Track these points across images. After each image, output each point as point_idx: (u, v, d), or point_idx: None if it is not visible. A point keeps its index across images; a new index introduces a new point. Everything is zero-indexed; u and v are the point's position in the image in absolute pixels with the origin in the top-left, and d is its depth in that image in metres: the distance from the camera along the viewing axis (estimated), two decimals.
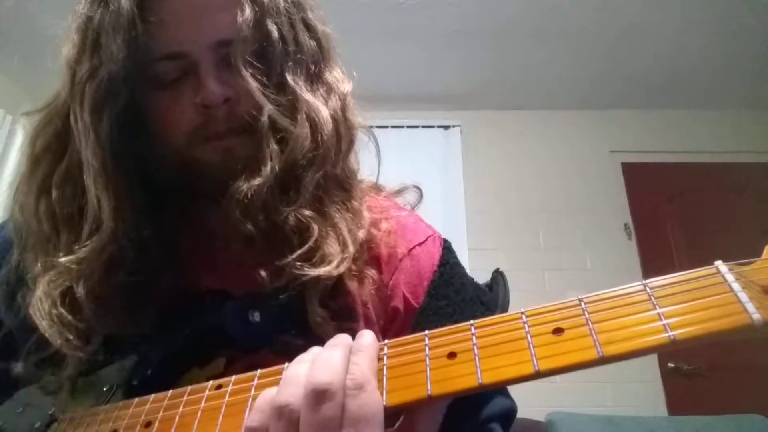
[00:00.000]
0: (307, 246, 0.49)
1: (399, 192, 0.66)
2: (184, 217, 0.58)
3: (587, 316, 0.31)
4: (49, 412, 0.48)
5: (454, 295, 0.56)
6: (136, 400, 0.42)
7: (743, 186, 2.90)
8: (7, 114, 2.90)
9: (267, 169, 0.50)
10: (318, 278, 0.49)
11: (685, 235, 2.86)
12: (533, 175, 3.04)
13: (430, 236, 0.61)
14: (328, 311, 0.50)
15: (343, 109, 0.57)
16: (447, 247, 0.61)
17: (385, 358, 0.35)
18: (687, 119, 3.12)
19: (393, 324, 0.55)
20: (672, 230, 2.89)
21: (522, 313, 0.33)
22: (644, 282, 0.31)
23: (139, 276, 0.50)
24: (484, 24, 2.52)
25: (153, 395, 0.42)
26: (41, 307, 0.48)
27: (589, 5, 2.38)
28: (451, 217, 2.83)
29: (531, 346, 0.31)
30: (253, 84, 0.51)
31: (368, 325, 0.53)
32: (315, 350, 0.37)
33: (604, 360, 0.29)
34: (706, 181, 2.96)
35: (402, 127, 3.05)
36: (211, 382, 0.40)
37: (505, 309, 0.57)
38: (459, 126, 3.10)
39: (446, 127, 3.11)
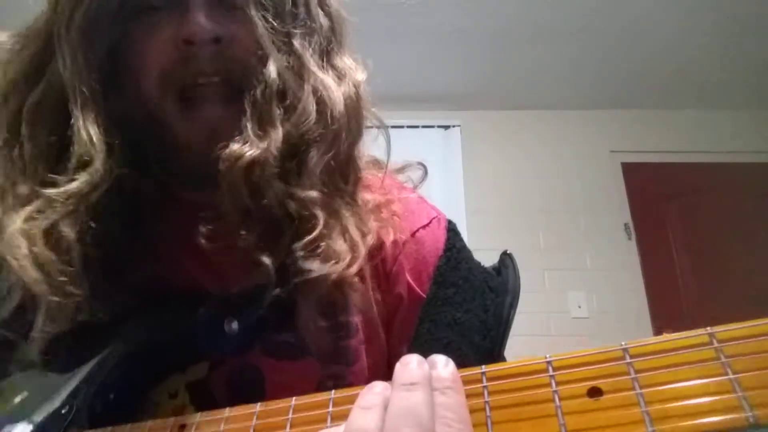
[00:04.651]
0: (312, 235, 0.42)
1: (402, 169, 0.60)
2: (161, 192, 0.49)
3: (634, 375, 0.24)
4: None
5: (463, 282, 0.53)
6: None
7: (743, 186, 2.89)
8: None
9: (278, 133, 0.43)
10: (324, 277, 0.41)
11: (685, 235, 2.86)
12: (533, 175, 3.03)
13: (434, 218, 0.57)
14: (326, 321, 0.44)
15: (357, 96, 0.49)
16: (452, 230, 0.57)
17: None
18: (687, 119, 3.12)
19: (397, 313, 0.51)
20: (672, 230, 2.89)
21: (548, 362, 0.26)
22: (710, 331, 0.23)
23: (125, 235, 0.43)
24: (484, 24, 2.52)
25: (111, 429, 0.37)
26: (16, 245, 0.39)
27: (589, 5, 2.38)
28: (451, 217, 2.78)
29: (560, 413, 0.24)
30: (261, 24, 0.43)
31: (366, 339, 0.48)
32: (378, 388, 0.28)
33: None
34: (706, 181, 2.95)
35: (402, 127, 3.04)
36: (173, 419, 0.34)
37: (516, 294, 0.53)
38: (459, 126, 3.09)
39: (446, 127, 3.11)
